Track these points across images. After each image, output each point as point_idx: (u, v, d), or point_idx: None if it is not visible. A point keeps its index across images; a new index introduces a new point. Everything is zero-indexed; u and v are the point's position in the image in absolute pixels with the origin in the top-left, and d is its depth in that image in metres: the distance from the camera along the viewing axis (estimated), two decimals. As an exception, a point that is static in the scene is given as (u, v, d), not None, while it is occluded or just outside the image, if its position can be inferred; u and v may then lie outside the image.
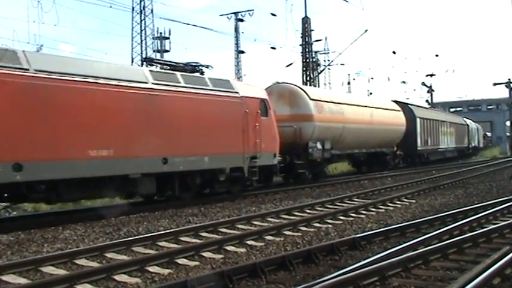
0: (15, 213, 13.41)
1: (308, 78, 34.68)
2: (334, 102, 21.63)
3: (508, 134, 68.24)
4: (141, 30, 37.95)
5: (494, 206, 11.59)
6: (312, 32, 35.60)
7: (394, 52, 53.02)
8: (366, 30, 34.27)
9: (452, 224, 9.43)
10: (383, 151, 26.34)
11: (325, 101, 20.96)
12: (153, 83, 12.95)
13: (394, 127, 26.95)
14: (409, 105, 31.92)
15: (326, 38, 55.03)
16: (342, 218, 11.52)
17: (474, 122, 52.62)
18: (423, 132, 31.10)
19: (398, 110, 28.10)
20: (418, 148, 30.58)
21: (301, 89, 20.56)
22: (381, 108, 25.91)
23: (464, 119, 47.74)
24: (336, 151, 21.64)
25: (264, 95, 16.93)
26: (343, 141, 21.80)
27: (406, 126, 28.15)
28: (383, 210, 12.68)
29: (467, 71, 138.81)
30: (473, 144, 48.37)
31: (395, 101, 30.11)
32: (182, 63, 15.07)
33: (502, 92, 63.16)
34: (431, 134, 32.78)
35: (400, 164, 29.19)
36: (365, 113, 24.00)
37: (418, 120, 30.34)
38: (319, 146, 19.81)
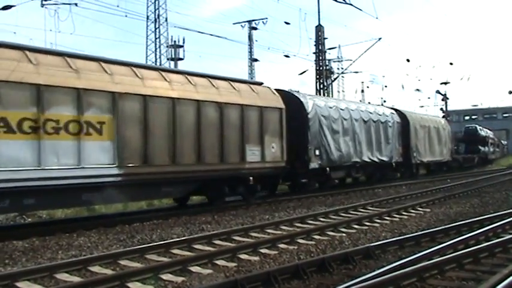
0: (30, 219, 13.52)
1: (321, 86, 34.64)
2: None
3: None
4: (156, 39, 38.33)
5: (511, 215, 11.45)
6: (326, 40, 35.58)
7: (408, 60, 53.14)
8: (380, 38, 33.72)
9: (468, 233, 9.33)
10: None
11: None
12: None
13: None
14: None
15: (339, 46, 54.63)
16: (356, 226, 11.45)
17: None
18: None
19: None
20: None
21: None
22: None
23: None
24: None
25: None
26: None
27: None
28: (397, 219, 12.58)
29: (483, 79, 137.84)
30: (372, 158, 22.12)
31: None
32: None
33: (518, 100, 62.63)
34: None
35: None
36: None
37: None
38: None
